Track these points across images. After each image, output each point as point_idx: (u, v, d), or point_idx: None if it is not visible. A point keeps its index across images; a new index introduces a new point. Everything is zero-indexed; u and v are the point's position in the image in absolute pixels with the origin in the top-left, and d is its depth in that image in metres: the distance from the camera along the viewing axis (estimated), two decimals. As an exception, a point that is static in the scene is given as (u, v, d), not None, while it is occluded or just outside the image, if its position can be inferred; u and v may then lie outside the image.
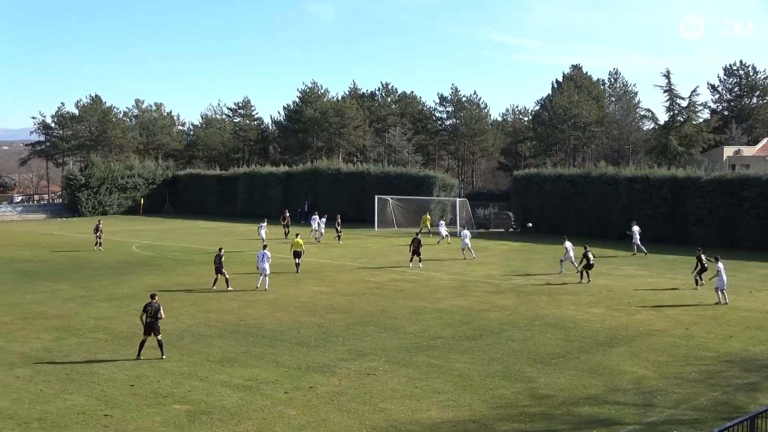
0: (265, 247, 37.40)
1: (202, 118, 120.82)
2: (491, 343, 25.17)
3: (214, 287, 35.33)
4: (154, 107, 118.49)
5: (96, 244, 51.70)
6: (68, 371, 21.72)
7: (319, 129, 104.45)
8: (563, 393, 19.78)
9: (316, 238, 57.29)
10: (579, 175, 64.27)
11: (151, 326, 23.09)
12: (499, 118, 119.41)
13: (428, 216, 63.46)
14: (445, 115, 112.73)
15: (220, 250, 37.04)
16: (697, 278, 36.55)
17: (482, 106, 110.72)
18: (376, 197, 68.66)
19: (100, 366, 22.23)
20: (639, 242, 48.75)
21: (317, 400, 19.16)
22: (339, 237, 56.69)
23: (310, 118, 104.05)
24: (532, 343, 25.20)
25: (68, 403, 18.96)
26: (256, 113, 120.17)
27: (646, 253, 48.15)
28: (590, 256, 37.98)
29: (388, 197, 69.19)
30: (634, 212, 58.60)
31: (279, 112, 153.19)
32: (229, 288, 35.01)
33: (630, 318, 29.23)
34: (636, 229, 49.15)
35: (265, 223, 54.18)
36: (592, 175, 62.90)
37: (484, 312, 30.40)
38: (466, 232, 49.17)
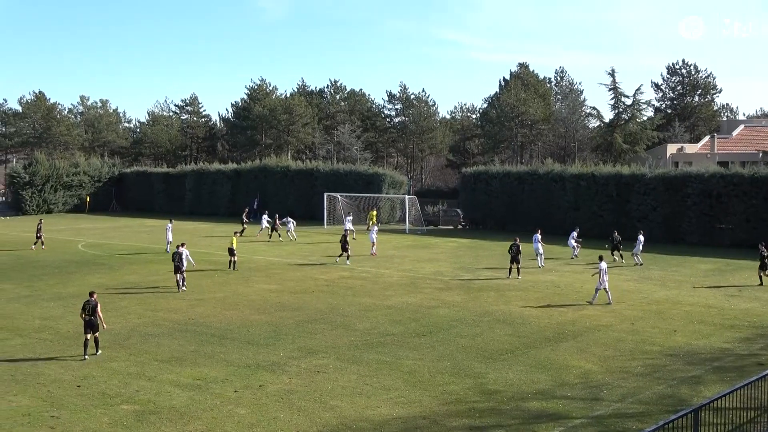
0: (183, 245, 36.63)
1: (149, 114, 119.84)
2: (441, 339, 25.27)
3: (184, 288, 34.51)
4: (99, 104, 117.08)
5: (35, 243, 50.42)
6: (13, 372, 21.30)
7: (268, 126, 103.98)
8: (512, 388, 19.94)
9: (281, 237, 56.86)
10: (526, 172, 64.90)
11: (90, 324, 22.92)
12: (448, 116, 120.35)
13: (374, 212, 63.65)
14: (393, 113, 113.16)
15: (177, 247, 36.21)
16: (615, 257, 43.53)
17: (430, 103, 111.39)
18: (326, 195, 68.58)
19: (46, 366, 21.85)
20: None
21: (267, 398, 19.06)
22: (278, 234, 56.71)
23: (258, 116, 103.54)
24: (481, 339, 25.36)
25: (13, 405, 18.59)
26: (204, 110, 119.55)
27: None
28: (516, 248, 38.41)
29: (338, 195, 69.11)
30: (580, 209, 59.37)
31: (227, 109, 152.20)
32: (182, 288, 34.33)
33: (577, 313, 29.57)
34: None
35: (171, 224, 51.53)
36: (539, 172, 63.56)
37: (434, 308, 30.52)
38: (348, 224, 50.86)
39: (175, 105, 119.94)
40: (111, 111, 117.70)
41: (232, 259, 40.97)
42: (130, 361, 22.51)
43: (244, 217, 61.56)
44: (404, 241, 56.14)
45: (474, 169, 71.78)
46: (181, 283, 34.49)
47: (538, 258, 42.61)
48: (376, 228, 50.25)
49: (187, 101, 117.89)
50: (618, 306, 31.02)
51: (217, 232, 62.26)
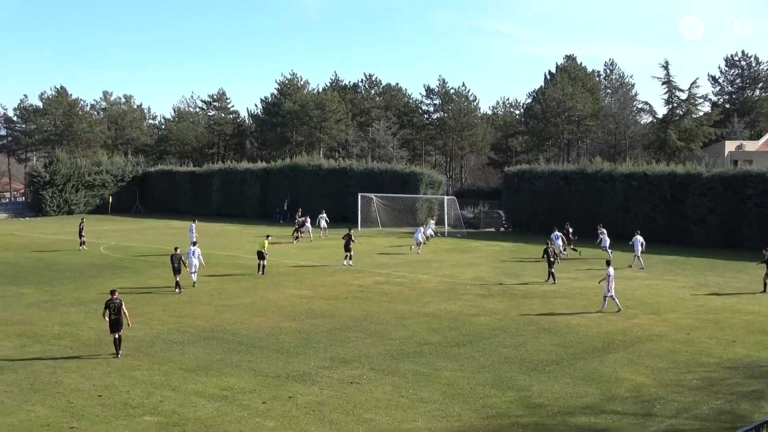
0: (194, 244, 39.10)
1: (175, 111, 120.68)
2: (481, 349, 25.16)
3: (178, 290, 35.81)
4: (123, 99, 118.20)
5: (81, 244, 52.59)
6: (32, 380, 21.54)
7: (299, 123, 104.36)
8: (558, 402, 19.78)
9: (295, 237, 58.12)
10: (573, 171, 64.44)
11: (116, 323, 23.95)
12: (489, 112, 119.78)
13: (432, 219, 63.53)
14: (431, 108, 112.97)
15: (175, 249, 37.58)
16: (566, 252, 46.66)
17: (471, 98, 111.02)
18: (360, 195, 68.59)
19: (66, 375, 22.06)
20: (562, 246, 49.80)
21: (297, 410, 19.08)
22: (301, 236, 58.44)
23: (289, 112, 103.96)
24: (524, 349, 25.21)
25: (31, 415, 18.79)
26: (232, 106, 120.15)
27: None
28: (551, 251, 39.01)
29: (372, 195, 69.14)
30: (631, 210, 58.78)
31: (256, 105, 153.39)
32: (177, 290, 35.75)
33: (628, 322, 29.29)
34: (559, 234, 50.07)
35: (195, 224, 53.44)
36: (587, 171, 63.09)
37: (474, 316, 30.41)
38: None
39: (201, 101, 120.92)
40: (135, 107, 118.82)
41: (262, 263, 41.16)
42: (154, 369, 22.66)
43: (296, 221, 61.31)
44: (443, 245, 56.03)
45: (517, 168, 71.44)
46: (196, 281, 36.86)
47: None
48: (421, 230, 52.30)
49: (215, 97, 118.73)
50: (672, 315, 30.68)
51: (246, 234, 62.60)
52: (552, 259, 38.93)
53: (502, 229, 67.85)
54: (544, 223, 63.95)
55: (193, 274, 37.26)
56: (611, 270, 31.58)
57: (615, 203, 60.10)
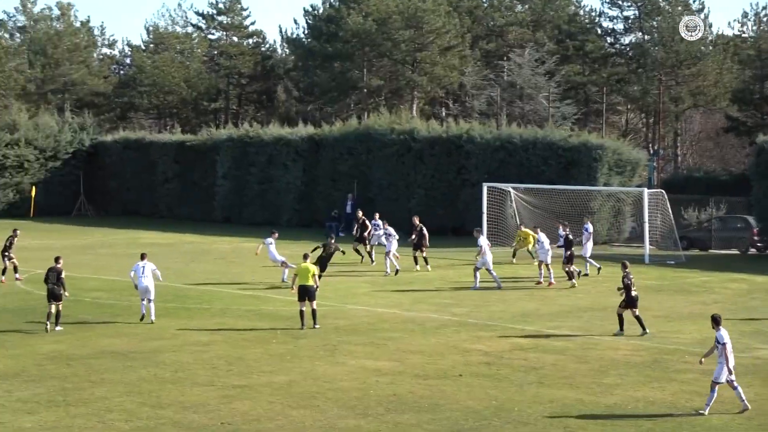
0: (143, 257, 41.47)
1: (149, 32, 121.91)
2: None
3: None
4: (56, 12, 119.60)
5: (4, 271, 53.88)
6: None
7: (375, 53, 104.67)
8: None
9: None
10: None
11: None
12: (730, 32, 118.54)
13: (528, 231, 62.65)
14: (621, 27, 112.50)
15: (57, 259, 41.18)
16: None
17: (695, 7, 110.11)
18: (485, 186, 68.38)
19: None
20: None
21: None
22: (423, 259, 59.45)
23: (355, 33, 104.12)
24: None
25: None
26: (252, 23, 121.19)
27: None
28: (629, 282, 40.01)
29: (509, 186, 68.94)
30: None
31: (296, 21, 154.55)
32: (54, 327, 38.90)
33: None
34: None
35: (274, 239, 54.75)
36: None
37: (704, 417, 29.92)
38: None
39: (197, 13, 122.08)
40: (78, 25, 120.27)
41: (309, 306, 40.73)
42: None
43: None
44: (641, 279, 55.54)
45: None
46: (55, 321, 39.47)
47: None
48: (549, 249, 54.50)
49: (222, 6, 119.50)
50: None
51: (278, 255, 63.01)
52: (634, 296, 40.10)
53: (753, 249, 67.17)
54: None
55: (149, 302, 40.39)
56: (724, 333, 30.44)
57: None
